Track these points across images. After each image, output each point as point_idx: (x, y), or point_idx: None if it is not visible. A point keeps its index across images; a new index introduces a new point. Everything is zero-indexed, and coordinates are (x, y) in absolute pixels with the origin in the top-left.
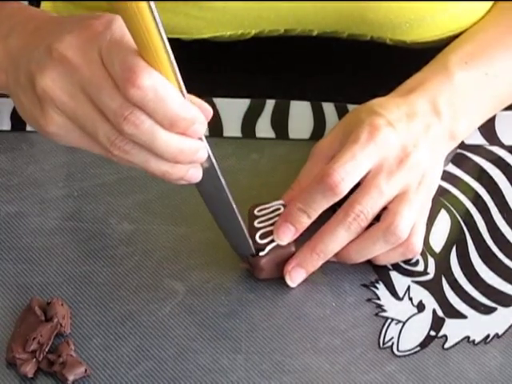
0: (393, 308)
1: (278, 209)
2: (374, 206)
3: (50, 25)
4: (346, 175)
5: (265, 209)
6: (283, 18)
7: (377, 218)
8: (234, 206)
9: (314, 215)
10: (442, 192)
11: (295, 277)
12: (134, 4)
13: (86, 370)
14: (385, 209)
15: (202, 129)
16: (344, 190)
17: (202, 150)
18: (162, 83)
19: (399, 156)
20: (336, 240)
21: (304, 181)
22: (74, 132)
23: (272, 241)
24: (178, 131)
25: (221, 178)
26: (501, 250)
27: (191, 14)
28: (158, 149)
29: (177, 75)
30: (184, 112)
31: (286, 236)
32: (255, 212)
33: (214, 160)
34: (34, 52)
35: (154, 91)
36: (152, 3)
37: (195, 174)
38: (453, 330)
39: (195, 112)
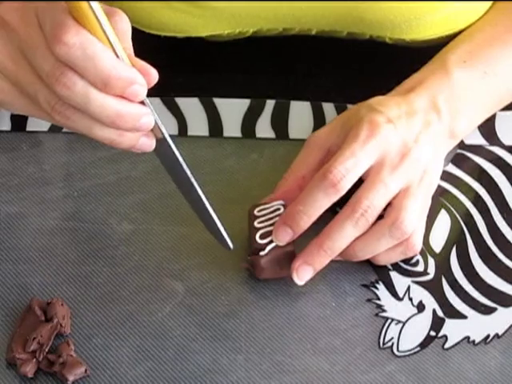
0: (393, 308)
1: (278, 209)
2: (380, 200)
3: None
4: (346, 172)
5: (265, 209)
6: (281, 17)
7: (379, 217)
8: (194, 182)
9: (315, 215)
10: (441, 192)
11: (302, 274)
12: None
13: (86, 370)
14: (388, 205)
15: (142, 91)
16: (345, 186)
17: (145, 116)
18: (90, 41)
19: (401, 151)
20: (343, 236)
21: (297, 170)
22: (19, 99)
23: (272, 241)
24: (114, 93)
25: (175, 150)
26: (501, 250)
27: (189, 12)
28: (93, 112)
29: (109, 37)
30: (118, 71)
31: (284, 238)
32: (255, 212)
33: (164, 130)
34: None
35: (81, 49)
36: None
37: (146, 143)
38: (453, 330)
39: (131, 72)
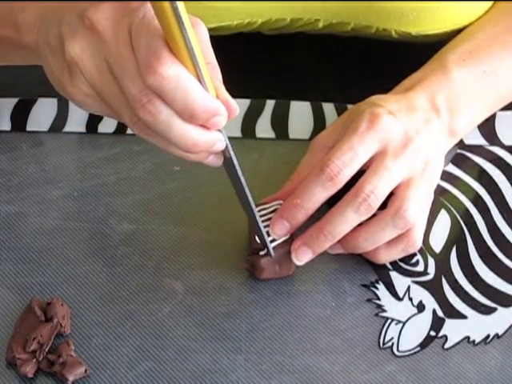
0: (393, 308)
1: (278, 209)
2: (383, 185)
3: None
4: (344, 166)
5: (264, 209)
6: (290, 6)
7: (382, 208)
8: (251, 200)
9: (312, 209)
10: (441, 192)
11: (301, 255)
12: (157, 3)
13: (85, 370)
14: (392, 196)
15: (223, 122)
16: (342, 180)
17: (218, 142)
18: (183, 74)
19: (402, 140)
20: (344, 221)
21: (303, 172)
22: (100, 104)
23: (272, 241)
24: (197, 123)
25: (239, 172)
26: (501, 250)
27: (200, 2)
28: (172, 140)
29: (200, 68)
30: (206, 104)
31: (281, 231)
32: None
33: (232, 153)
34: (68, 14)
35: (175, 81)
36: (177, 4)
37: (214, 161)
38: (453, 330)
39: (217, 104)
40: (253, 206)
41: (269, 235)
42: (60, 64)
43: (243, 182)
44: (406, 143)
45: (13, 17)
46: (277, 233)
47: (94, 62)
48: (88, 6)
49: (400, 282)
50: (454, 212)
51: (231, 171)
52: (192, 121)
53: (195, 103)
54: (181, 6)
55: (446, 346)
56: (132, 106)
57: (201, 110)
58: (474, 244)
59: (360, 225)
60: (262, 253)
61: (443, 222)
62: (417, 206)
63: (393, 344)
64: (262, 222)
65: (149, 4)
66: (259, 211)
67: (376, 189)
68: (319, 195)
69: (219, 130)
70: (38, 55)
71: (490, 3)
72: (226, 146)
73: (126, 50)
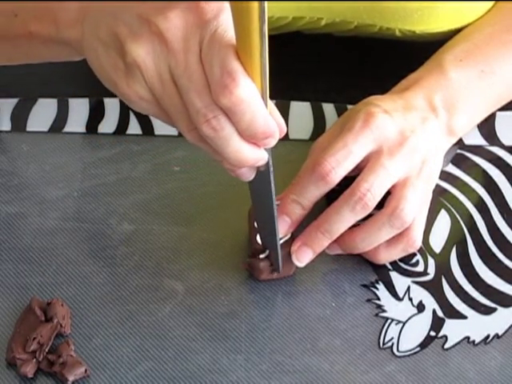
0: (393, 308)
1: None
2: (380, 185)
3: None
4: (336, 164)
5: None
6: (294, 5)
7: (380, 208)
8: (276, 217)
9: (308, 206)
10: (441, 192)
11: (301, 256)
12: (245, 4)
13: (85, 370)
14: (388, 195)
15: (274, 142)
16: (335, 178)
17: (264, 159)
18: (256, 96)
19: (398, 139)
20: (341, 219)
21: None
22: (154, 108)
23: None
24: (252, 141)
25: (272, 186)
26: (501, 250)
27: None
28: (226, 154)
29: (266, 83)
30: (266, 126)
31: (282, 228)
32: None
33: (271, 169)
34: (122, 14)
35: (247, 104)
36: (265, 5)
37: (246, 174)
38: (453, 330)
39: (274, 126)
40: (276, 221)
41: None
42: (113, 61)
43: (273, 196)
44: (401, 142)
45: (50, 11)
46: (279, 229)
47: (158, 68)
48: (154, 12)
49: (400, 282)
50: (454, 212)
51: (261, 184)
52: (249, 139)
53: (258, 124)
54: (266, 11)
55: (446, 346)
56: (194, 118)
57: (260, 131)
58: (474, 244)
59: (357, 225)
60: (262, 255)
61: (443, 222)
62: (414, 206)
63: (393, 344)
64: None
65: (222, 17)
66: None
67: (372, 187)
68: (313, 193)
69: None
70: (79, 50)
71: (493, 2)
72: (267, 161)
73: (195, 63)
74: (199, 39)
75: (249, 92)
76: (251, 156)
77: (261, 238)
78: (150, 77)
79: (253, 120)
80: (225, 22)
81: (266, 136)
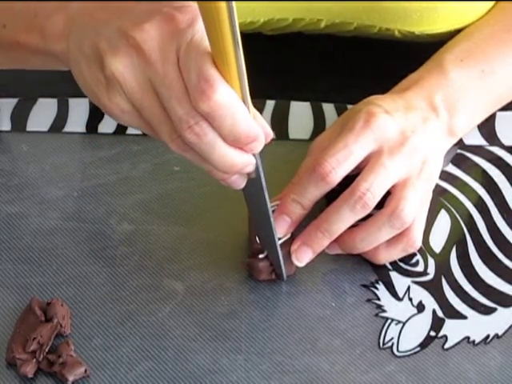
0: (393, 308)
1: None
2: (380, 184)
3: (121, 1)
4: (336, 164)
5: None
6: (294, 6)
7: (380, 208)
8: (272, 216)
9: (308, 205)
10: (441, 192)
11: (301, 255)
12: (212, 4)
13: (85, 371)
14: (388, 195)
15: (260, 147)
16: (335, 179)
17: (251, 165)
18: (235, 99)
19: (398, 139)
20: (340, 219)
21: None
22: (137, 119)
23: None
24: (237, 146)
25: (265, 191)
26: (501, 250)
27: None
28: (212, 161)
29: (245, 88)
30: (249, 130)
31: (282, 227)
32: None
33: (262, 174)
34: (104, 28)
35: (226, 108)
36: (233, 4)
37: (237, 182)
38: (453, 330)
39: (258, 130)
40: (274, 227)
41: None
42: (95, 75)
43: (268, 201)
44: (402, 142)
45: (38, 23)
46: (278, 229)
47: (137, 80)
48: (130, 25)
49: (400, 282)
50: (454, 212)
51: (253, 190)
52: (233, 144)
53: (240, 128)
54: (234, 9)
55: (446, 346)
56: (177, 126)
57: (244, 135)
58: (474, 244)
59: (357, 225)
60: (261, 256)
61: (443, 223)
62: (413, 206)
63: (393, 344)
64: None
65: (197, 26)
66: None
67: (372, 187)
68: (313, 193)
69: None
70: (66, 62)
71: (493, 2)
72: (257, 167)
73: (173, 71)
74: (176, 48)
75: (227, 97)
76: (238, 161)
77: (260, 242)
78: (130, 89)
79: (234, 124)
80: (200, 30)
81: (250, 140)
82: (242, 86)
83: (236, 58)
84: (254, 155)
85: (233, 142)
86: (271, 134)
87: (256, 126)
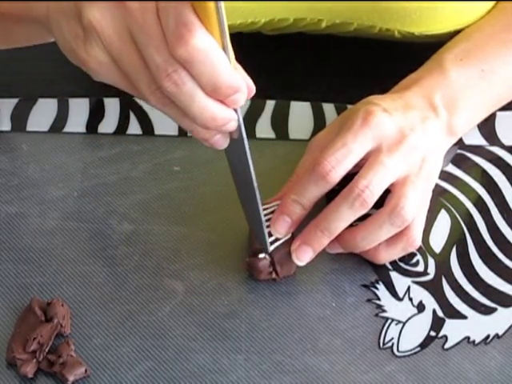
0: (393, 308)
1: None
2: (378, 181)
3: None
4: (336, 163)
5: (264, 209)
6: (295, 6)
7: (379, 207)
8: (256, 186)
9: (308, 205)
10: (441, 192)
11: (301, 255)
12: None
13: (86, 370)
14: (388, 194)
15: (243, 100)
16: (335, 177)
17: (233, 121)
18: (214, 46)
19: (397, 137)
20: (340, 218)
21: (301, 173)
22: (115, 72)
23: (275, 240)
24: (217, 97)
25: (248, 153)
26: (501, 250)
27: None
28: (192, 113)
29: (227, 37)
30: (230, 79)
31: (282, 228)
32: None
33: (244, 134)
34: None
35: (204, 54)
36: None
37: (220, 142)
38: (453, 330)
39: (239, 81)
40: (257, 195)
41: (270, 236)
42: (73, 29)
43: (251, 166)
44: (400, 140)
45: None
46: (279, 230)
47: (115, 27)
48: None
49: (400, 282)
50: (454, 212)
51: (237, 156)
52: (213, 94)
53: (220, 77)
54: None
55: (446, 346)
56: (155, 75)
57: (225, 85)
58: (474, 244)
59: (358, 224)
60: (260, 255)
61: (443, 222)
62: (414, 204)
63: (393, 344)
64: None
65: None
66: None
67: (371, 184)
68: (313, 193)
69: (235, 110)
70: (48, 27)
71: (493, 2)
72: (239, 127)
73: (151, 18)
74: None
75: (206, 42)
76: (219, 115)
77: (249, 223)
78: (108, 37)
79: (214, 72)
80: None
81: (232, 91)
82: (223, 34)
83: (217, 7)
84: (236, 112)
85: (213, 92)
86: (253, 89)
87: (238, 77)
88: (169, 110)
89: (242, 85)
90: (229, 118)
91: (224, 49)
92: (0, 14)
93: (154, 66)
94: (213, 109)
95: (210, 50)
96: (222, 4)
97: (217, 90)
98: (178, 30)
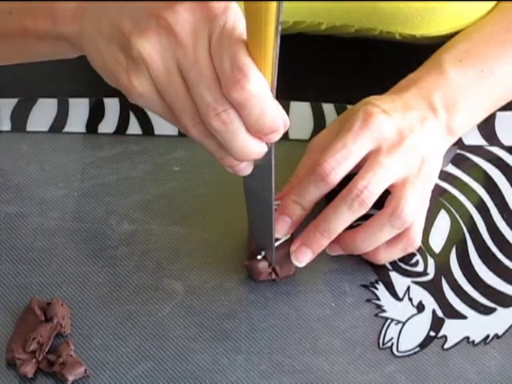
0: (392, 308)
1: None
2: (377, 182)
3: None
4: (336, 165)
5: None
6: (294, 9)
7: (379, 207)
8: (274, 212)
9: (309, 206)
10: (441, 192)
11: (300, 256)
12: (263, 3)
13: (85, 370)
14: (388, 195)
15: (278, 137)
16: (335, 179)
17: (263, 152)
18: (266, 90)
19: (396, 138)
20: (339, 218)
21: (301, 174)
22: (156, 102)
23: (275, 240)
24: (258, 136)
25: (273, 180)
26: (501, 250)
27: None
28: (232, 148)
29: (275, 79)
30: (274, 121)
31: (282, 228)
32: None
33: (273, 162)
34: (130, 9)
35: (258, 98)
36: (282, 5)
37: (245, 169)
38: (452, 330)
39: (281, 121)
40: (273, 214)
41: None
42: (114, 54)
43: (273, 189)
44: (399, 141)
45: (47, 7)
46: (279, 230)
47: (164, 61)
48: (162, 7)
49: (400, 282)
50: (454, 212)
51: (258, 177)
52: (255, 134)
53: (266, 119)
54: (282, 10)
55: (446, 346)
56: (202, 111)
57: (268, 125)
58: (474, 244)
59: (358, 226)
60: (259, 257)
61: (443, 223)
62: (413, 206)
63: (392, 344)
64: None
65: (230, 13)
66: None
67: (370, 185)
68: (313, 194)
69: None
70: (78, 45)
71: (493, 3)
72: (270, 154)
73: (204, 57)
74: (208, 33)
75: (260, 87)
76: (255, 150)
77: (255, 237)
78: (156, 70)
79: (261, 114)
80: (233, 17)
81: (273, 130)
82: (274, 74)
83: (274, 47)
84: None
85: (256, 131)
86: (288, 124)
87: (280, 117)
88: (207, 142)
89: (281, 125)
90: (263, 152)
91: (272, 88)
92: (24, 29)
93: (202, 103)
94: (252, 145)
95: (263, 94)
96: (279, 42)
97: (260, 130)
98: (233, 74)
